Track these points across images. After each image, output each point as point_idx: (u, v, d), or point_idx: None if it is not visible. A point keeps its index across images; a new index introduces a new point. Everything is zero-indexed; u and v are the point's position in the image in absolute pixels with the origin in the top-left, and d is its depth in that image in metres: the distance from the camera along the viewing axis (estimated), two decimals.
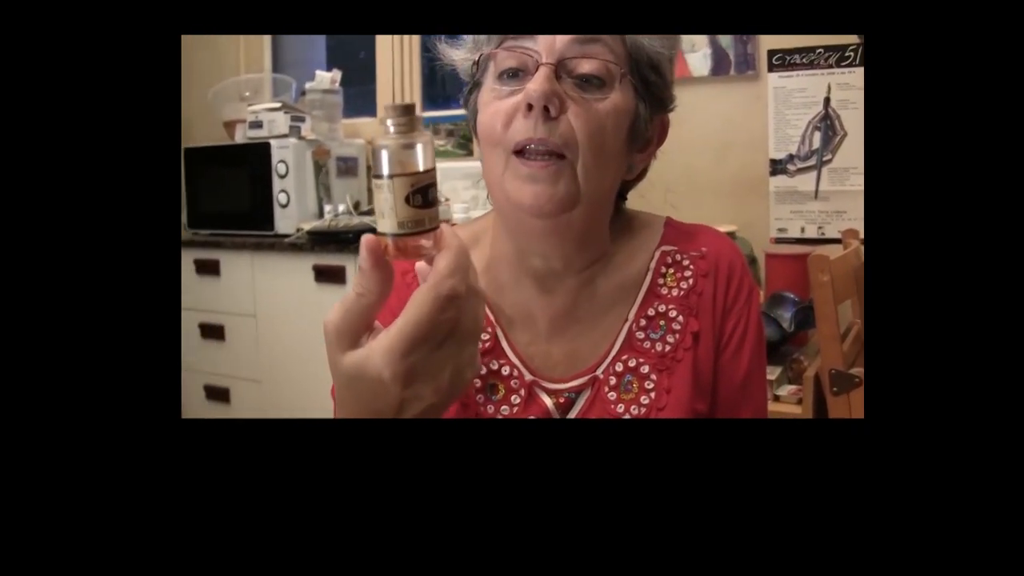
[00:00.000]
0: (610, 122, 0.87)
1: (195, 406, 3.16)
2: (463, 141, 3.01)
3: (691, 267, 0.98)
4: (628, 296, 0.97)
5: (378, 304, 0.60)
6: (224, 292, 2.97)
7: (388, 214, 0.59)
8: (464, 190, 2.65)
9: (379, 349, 0.58)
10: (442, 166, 2.73)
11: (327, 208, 2.80)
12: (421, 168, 0.60)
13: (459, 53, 0.95)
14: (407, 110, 0.60)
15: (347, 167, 3.04)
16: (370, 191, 3.14)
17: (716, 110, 2.55)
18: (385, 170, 0.59)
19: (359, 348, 0.60)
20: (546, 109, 0.83)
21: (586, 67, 0.86)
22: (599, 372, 0.94)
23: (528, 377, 0.94)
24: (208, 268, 2.99)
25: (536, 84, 0.83)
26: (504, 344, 0.95)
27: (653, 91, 0.92)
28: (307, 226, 2.73)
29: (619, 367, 0.94)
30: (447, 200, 2.55)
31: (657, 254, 0.99)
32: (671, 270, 0.98)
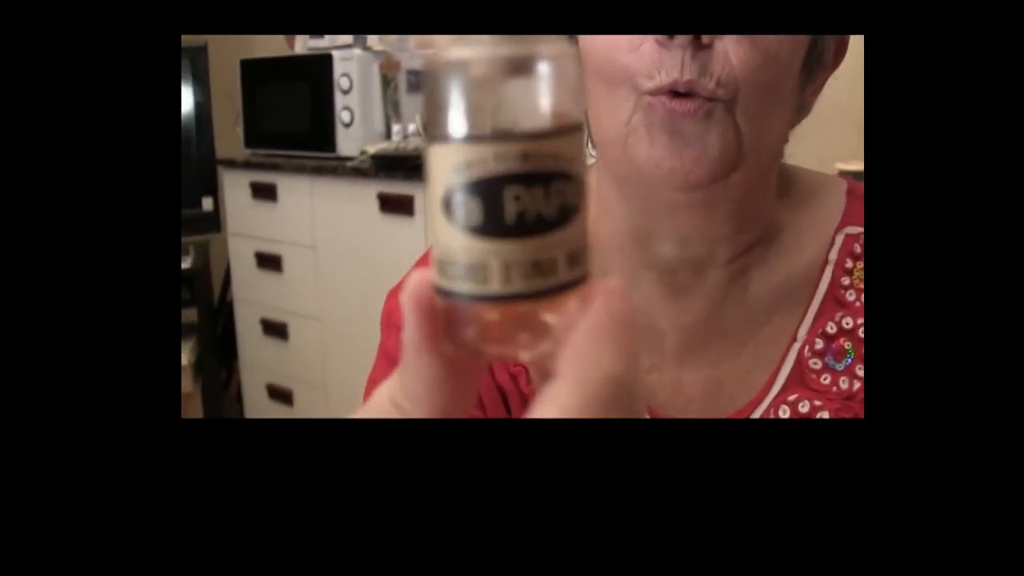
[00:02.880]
0: (785, 47, 0.60)
1: (253, 342, 2.98)
2: None
3: None
4: (796, 301, 0.68)
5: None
6: (281, 219, 2.75)
7: (459, 247, 0.29)
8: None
9: None
10: None
11: (395, 128, 2.52)
12: (546, 119, 0.28)
13: None
14: None
15: (419, 81, 2.71)
16: None
17: None
18: (459, 126, 0.28)
19: None
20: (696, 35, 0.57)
21: None
22: (755, 416, 0.64)
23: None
24: (265, 192, 2.77)
25: None
26: None
27: None
28: (372, 149, 2.44)
29: (785, 411, 0.64)
30: None
31: (839, 239, 0.69)
32: (860, 263, 0.68)
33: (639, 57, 0.59)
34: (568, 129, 0.29)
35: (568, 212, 0.29)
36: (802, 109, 0.67)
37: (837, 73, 0.69)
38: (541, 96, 0.29)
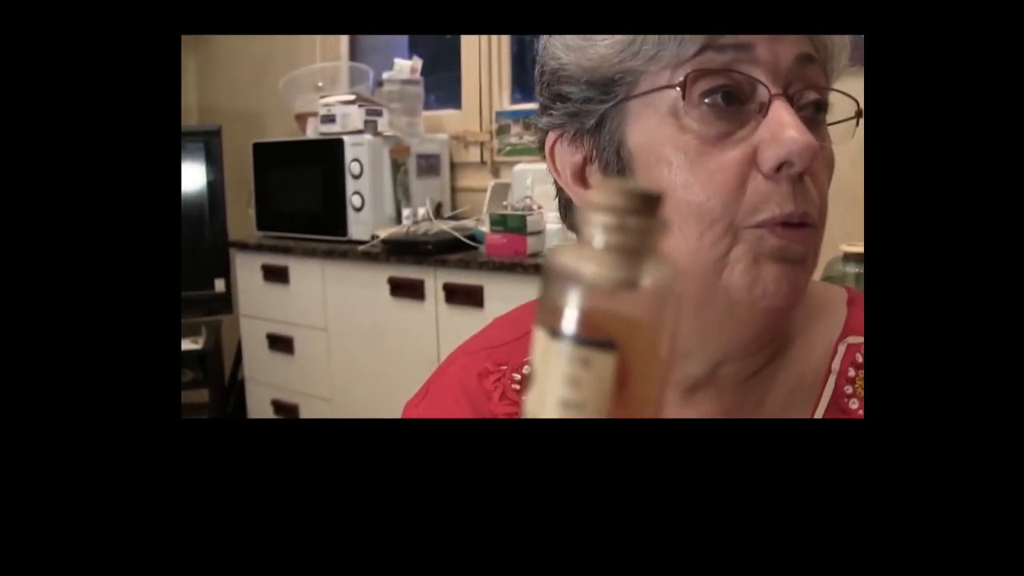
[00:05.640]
0: (831, 172, 0.64)
1: None
2: None
3: None
4: (802, 411, 0.68)
5: None
6: (293, 302, 2.76)
7: None
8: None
9: None
10: (533, 168, 2.42)
11: (405, 212, 2.53)
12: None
13: (604, 48, 0.61)
14: (647, 201, 0.32)
15: (428, 165, 2.75)
16: (454, 190, 2.88)
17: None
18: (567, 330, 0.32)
19: None
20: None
21: (816, 100, 0.62)
22: None
23: None
24: (276, 275, 2.78)
25: (799, 132, 0.57)
26: None
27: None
28: (383, 233, 2.46)
29: None
30: (539, 208, 2.24)
31: (841, 348, 0.69)
32: (862, 372, 0.68)
33: (743, 196, 0.58)
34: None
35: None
36: None
37: (843, 149, 0.69)
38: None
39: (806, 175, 0.59)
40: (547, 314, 0.33)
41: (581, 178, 0.66)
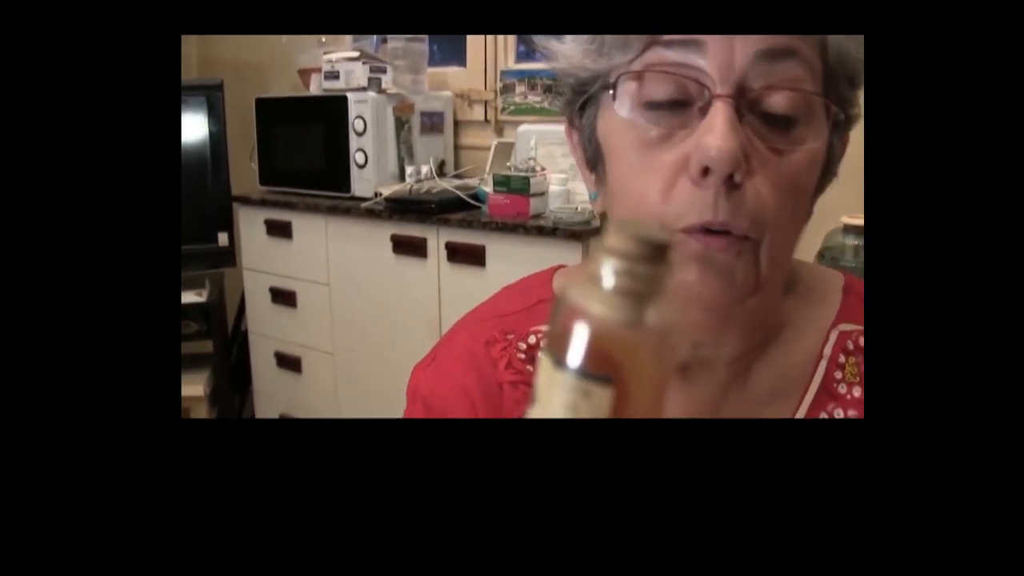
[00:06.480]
0: (803, 179, 0.61)
1: (267, 373, 3.01)
2: None
3: None
4: (792, 392, 0.70)
5: None
6: (296, 257, 2.78)
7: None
8: (562, 156, 2.34)
9: None
10: (537, 128, 2.43)
11: (408, 170, 2.54)
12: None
13: (570, 49, 0.65)
14: (657, 249, 0.34)
15: (432, 123, 2.75)
16: (457, 149, 2.88)
17: None
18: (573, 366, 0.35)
19: None
20: (730, 175, 0.56)
21: (778, 101, 0.58)
22: None
23: None
24: (279, 230, 2.79)
25: (718, 138, 0.56)
26: None
27: (847, 110, 0.64)
28: (386, 191, 2.47)
29: None
30: (543, 170, 2.25)
31: (834, 335, 0.71)
32: (852, 359, 0.70)
33: (671, 199, 0.59)
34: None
35: None
36: (808, 215, 0.68)
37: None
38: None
39: (747, 184, 0.58)
40: (554, 342, 0.35)
41: (586, 162, 0.69)
